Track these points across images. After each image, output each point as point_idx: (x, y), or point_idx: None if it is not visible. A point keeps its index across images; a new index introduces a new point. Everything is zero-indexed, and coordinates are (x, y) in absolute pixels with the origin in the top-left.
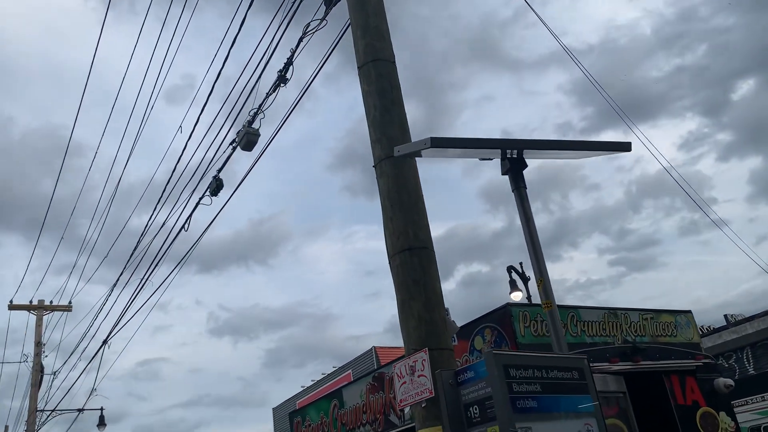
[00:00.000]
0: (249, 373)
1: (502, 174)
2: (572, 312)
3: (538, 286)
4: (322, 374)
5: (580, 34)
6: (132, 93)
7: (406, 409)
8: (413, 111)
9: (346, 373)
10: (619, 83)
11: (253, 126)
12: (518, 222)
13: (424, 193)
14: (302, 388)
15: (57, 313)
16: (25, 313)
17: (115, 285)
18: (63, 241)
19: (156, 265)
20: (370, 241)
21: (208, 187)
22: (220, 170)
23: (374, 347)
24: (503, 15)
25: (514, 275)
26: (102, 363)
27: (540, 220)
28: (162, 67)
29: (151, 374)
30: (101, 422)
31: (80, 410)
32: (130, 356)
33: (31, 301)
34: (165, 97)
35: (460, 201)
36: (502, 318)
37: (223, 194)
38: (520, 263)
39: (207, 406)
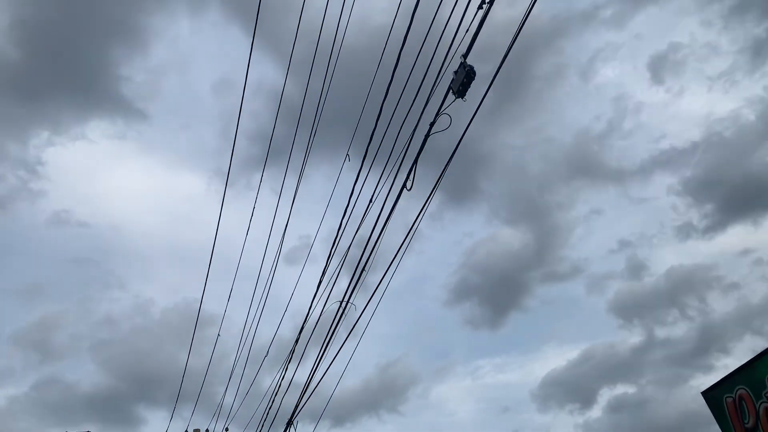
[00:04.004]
0: None
1: None
2: None
3: None
4: None
5: (679, 133)
6: (253, 260)
7: None
8: (522, 236)
9: None
10: (733, 177)
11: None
12: (660, 334)
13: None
14: None
15: None
16: None
17: None
18: (198, 408)
19: (291, 420)
20: (499, 375)
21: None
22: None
23: None
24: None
25: None
26: None
27: (679, 330)
28: (272, 232)
29: None
30: None
31: None
32: None
33: None
34: (284, 258)
35: (589, 319)
36: None
37: (349, 345)
38: None
39: None
